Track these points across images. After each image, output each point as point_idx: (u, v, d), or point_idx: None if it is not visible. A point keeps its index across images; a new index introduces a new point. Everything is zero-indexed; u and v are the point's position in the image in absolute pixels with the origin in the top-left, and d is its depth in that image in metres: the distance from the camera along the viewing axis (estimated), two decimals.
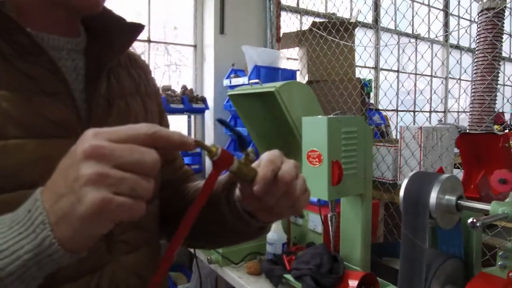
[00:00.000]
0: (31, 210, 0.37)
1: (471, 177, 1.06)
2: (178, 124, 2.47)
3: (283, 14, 2.72)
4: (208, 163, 2.49)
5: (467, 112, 1.95)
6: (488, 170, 1.01)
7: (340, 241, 1.25)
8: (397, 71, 3.82)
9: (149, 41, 2.46)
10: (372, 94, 3.09)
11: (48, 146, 0.49)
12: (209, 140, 2.53)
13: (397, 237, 1.53)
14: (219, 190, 0.61)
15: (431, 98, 3.70)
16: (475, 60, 1.78)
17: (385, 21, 4.19)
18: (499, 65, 1.71)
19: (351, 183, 1.13)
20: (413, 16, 3.78)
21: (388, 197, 1.61)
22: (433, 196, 0.79)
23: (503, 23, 1.74)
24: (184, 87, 2.37)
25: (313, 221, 1.39)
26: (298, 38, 2.50)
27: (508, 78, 1.38)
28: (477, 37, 1.76)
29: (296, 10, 2.84)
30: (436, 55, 1.86)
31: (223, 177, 0.63)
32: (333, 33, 2.25)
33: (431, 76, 3.93)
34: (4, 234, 0.36)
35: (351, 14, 3.19)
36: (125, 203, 0.35)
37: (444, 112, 4.04)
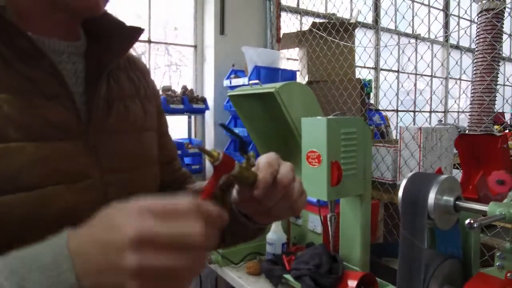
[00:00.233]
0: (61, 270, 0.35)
1: (470, 178, 1.07)
2: (178, 124, 2.47)
3: (283, 14, 2.72)
4: (208, 163, 2.49)
5: (466, 112, 1.95)
6: (486, 171, 1.01)
7: (340, 242, 1.25)
8: (397, 71, 3.82)
9: (149, 41, 2.46)
10: (372, 95, 3.09)
11: (48, 148, 0.50)
12: (209, 140, 2.53)
13: (397, 237, 1.53)
14: (216, 191, 0.62)
15: (431, 98, 3.70)
16: (475, 61, 1.79)
17: (385, 21, 4.20)
18: (498, 66, 1.72)
19: (351, 184, 1.14)
20: (413, 17, 3.79)
21: (388, 198, 1.61)
22: (431, 197, 0.80)
23: (503, 24, 1.74)
24: (184, 88, 2.37)
25: (313, 222, 1.40)
26: (298, 39, 2.50)
27: (507, 79, 1.39)
28: (477, 38, 1.76)
29: (296, 11, 2.84)
30: (435, 55, 1.87)
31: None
32: (333, 33, 2.25)
33: (431, 76, 3.94)
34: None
35: (351, 15, 3.19)
36: None
37: (444, 112, 4.04)
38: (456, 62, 1.58)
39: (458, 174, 1.46)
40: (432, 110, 3.77)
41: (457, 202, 0.81)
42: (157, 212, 0.34)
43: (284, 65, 2.30)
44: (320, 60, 2.30)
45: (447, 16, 4.27)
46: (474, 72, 1.77)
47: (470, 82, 2.01)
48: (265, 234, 1.38)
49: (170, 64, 2.69)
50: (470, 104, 1.82)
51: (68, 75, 0.56)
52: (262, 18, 2.65)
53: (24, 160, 0.48)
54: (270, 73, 2.12)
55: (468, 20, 3.93)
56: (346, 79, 2.06)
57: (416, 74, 3.87)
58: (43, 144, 0.50)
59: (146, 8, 2.43)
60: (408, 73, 3.67)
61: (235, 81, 2.20)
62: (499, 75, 1.80)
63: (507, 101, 1.37)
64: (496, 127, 2.82)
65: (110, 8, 0.63)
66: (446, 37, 4.09)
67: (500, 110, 3.12)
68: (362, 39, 2.32)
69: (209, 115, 2.52)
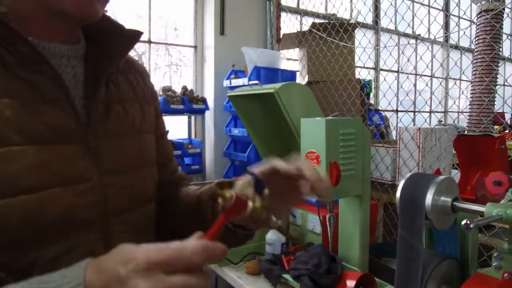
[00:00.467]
0: None
1: (468, 179, 1.07)
2: (178, 124, 2.48)
3: (283, 15, 2.73)
4: (208, 163, 2.50)
5: (465, 112, 1.96)
6: (484, 171, 1.02)
7: (339, 242, 1.26)
8: (397, 71, 3.83)
9: (149, 41, 2.47)
10: (371, 95, 3.10)
11: (48, 152, 0.51)
12: (209, 140, 2.54)
13: (396, 237, 1.53)
14: (205, 199, 0.62)
15: (431, 98, 3.71)
16: (474, 61, 1.79)
17: (385, 22, 4.20)
18: (497, 66, 1.72)
19: (349, 184, 1.14)
20: (413, 17, 3.79)
21: (387, 198, 1.62)
22: (429, 198, 0.80)
23: (502, 24, 1.74)
24: (185, 88, 2.38)
25: (312, 222, 1.40)
26: (298, 39, 2.51)
27: (506, 80, 1.39)
28: (476, 38, 1.77)
29: (296, 11, 2.84)
30: (435, 56, 1.87)
31: (210, 186, 0.64)
32: (332, 34, 2.25)
33: (431, 76, 3.94)
34: None
35: (350, 15, 3.19)
36: None
37: (444, 112, 4.04)
38: (455, 63, 1.59)
39: (457, 174, 1.47)
40: (431, 110, 3.78)
41: (454, 203, 0.81)
42: (164, 265, 0.36)
43: (284, 65, 2.31)
44: (320, 60, 2.31)
45: (447, 16, 4.27)
46: (473, 72, 1.77)
47: (469, 83, 2.01)
48: (266, 234, 1.39)
49: (170, 64, 2.70)
50: (469, 104, 1.82)
51: (68, 78, 0.57)
52: (262, 18, 2.65)
53: (25, 164, 0.48)
54: (270, 74, 2.13)
55: (468, 20, 3.93)
56: (346, 80, 2.07)
57: (416, 74, 3.87)
58: (44, 147, 0.50)
59: (146, 8, 2.43)
60: (407, 73, 3.67)
61: (235, 82, 2.21)
62: (498, 76, 1.80)
63: (505, 101, 1.37)
64: (496, 127, 2.83)
65: (110, 9, 0.63)
66: (446, 38, 4.09)
67: (500, 110, 3.12)
68: (362, 39, 2.32)
69: (209, 115, 2.53)
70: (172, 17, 2.62)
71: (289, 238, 1.06)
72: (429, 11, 4.15)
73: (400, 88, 3.44)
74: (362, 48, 2.29)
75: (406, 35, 3.68)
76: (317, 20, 2.52)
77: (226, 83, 2.31)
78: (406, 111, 2.79)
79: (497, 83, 1.85)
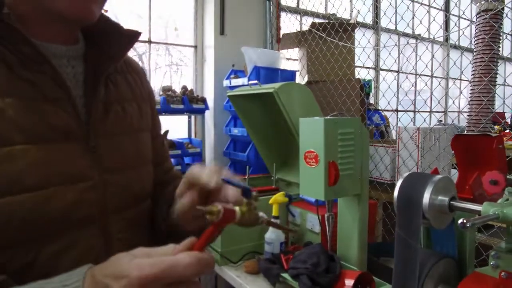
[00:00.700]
0: None
1: (466, 178, 1.07)
2: (178, 124, 2.48)
3: (283, 15, 2.73)
4: (208, 163, 2.51)
5: (465, 112, 1.96)
6: (482, 171, 1.02)
7: (337, 241, 1.26)
8: (397, 71, 3.83)
9: (150, 41, 2.47)
10: (371, 95, 3.10)
11: (50, 150, 0.51)
12: (209, 140, 2.54)
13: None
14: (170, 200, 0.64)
15: (430, 98, 3.71)
16: (473, 61, 1.79)
17: (385, 21, 4.20)
18: (496, 66, 1.73)
19: (348, 184, 1.15)
20: (413, 17, 3.79)
21: (386, 197, 1.62)
22: (426, 197, 0.81)
23: (501, 24, 1.75)
24: (185, 88, 2.38)
25: (311, 221, 1.41)
26: (297, 39, 2.51)
27: (505, 80, 1.39)
28: (475, 38, 1.77)
29: (296, 11, 2.85)
30: (434, 56, 1.87)
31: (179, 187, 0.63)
32: (332, 34, 2.26)
33: (430, 76, 3.94)
34: None
35: (350, 15, 3.20)
36: None
37: (444, 112, 4.04)
38: (454, 63, 1.59)
39: (456, 174, 1.47)
40: (431, 110, 3.78)
41: (451, 202, 0.81)
42: (157, 280, 0.37)
43: (284, 65, 2.31)
44: (320, 60, 2.31)
45: (446, 16, 4.27)
46: (473, 72, 1.78)
47: (468, 82, 2.02)
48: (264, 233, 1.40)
49: (171, 64, 2.70)
50: (469, 104, 1.83)
51: (68, 78, 0.58)
52: (262, 18, 2.66)
53: (28, 162, 0.49)
54: (270, 73, 2.13)
55: (468, 20, 3.93)
56: (345, 79, 2.07)
57: (415, 74, 3.87)
58: (46, 146, 0.51)
59: (146, 8, 2.44)
60: (407, 73, 3.67)
61: (235, 81, 2.21)
62: (497, 76, 1.81)
63: (504, 101, 1.38)
64: (496, 126, 2.83)
65: (110, 9, 0.64)
66: (446, 37, 4.10)
67: (499, 110, 3.12)
68: (361, 39, 2.32)
69: (209, 115, 2.53)
70: (172, 17, 2.62)
71: (283, 229, 1.06)
72: (428, 11, 4.15)
73: (399, 88, 3.44)
74: (362, 48, 2.29)
75: (405, 35, 3.68)
76: (317, 20, 2.52)
77: (226, 83, 2.31)
78: (406, 111, 2.79)
79: (496, 83, 1.86)
